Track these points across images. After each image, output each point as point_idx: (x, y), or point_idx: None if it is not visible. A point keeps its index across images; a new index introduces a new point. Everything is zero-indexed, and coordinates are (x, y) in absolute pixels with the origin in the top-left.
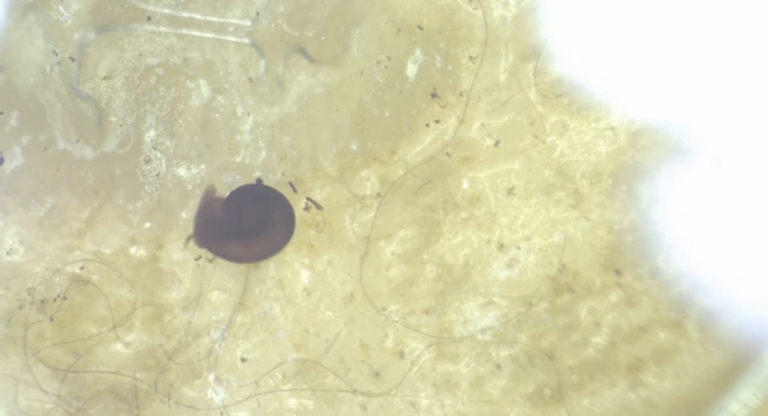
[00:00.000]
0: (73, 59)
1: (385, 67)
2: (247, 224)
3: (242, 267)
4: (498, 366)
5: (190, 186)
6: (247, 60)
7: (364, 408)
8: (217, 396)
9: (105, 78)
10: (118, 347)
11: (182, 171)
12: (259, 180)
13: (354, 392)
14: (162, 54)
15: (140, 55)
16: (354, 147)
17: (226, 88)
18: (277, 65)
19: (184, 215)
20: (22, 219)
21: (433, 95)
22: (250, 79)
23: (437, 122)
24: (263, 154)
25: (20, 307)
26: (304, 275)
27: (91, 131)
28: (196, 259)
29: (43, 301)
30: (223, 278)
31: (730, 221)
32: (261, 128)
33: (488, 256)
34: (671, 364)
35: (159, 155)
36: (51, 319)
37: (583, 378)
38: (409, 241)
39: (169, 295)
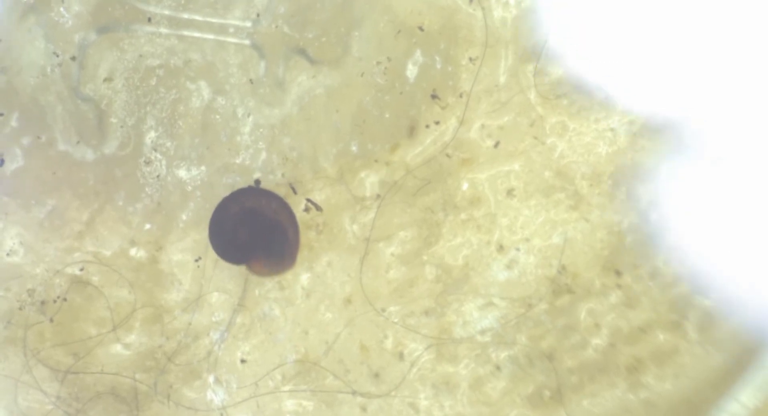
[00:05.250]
0: (73, 60)
1: (386, 68)
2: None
3: (242, 268)
4: (497, 367)
5: (190, 187)
6: (248, 61)
7: (363, 409)
8: (216, 397)
9: (105, 79)
10: (118, 348)
11: (182, 172)
12: (257, 182)
13: (353, 393)
14: (162, 55)
15: (141, 56)
16: (354, 148)
17: (226, 90)
18: (278, 67)
19: (184, 217)
20: (22, 221)
21: (433, 96)
22: (250, 80)
23: (437, 123)
24: (263, 155)
25: (20, 308)
26: (304, 277)
27: (92, 132)
28: (196, 260)
29: (43, 302)
30: (222, 279)
31: (729, 222)
32: (261, 130)
33: (488, 257)
34: (671, 365)
35: (159, 156)
36: (51, 320)
37: (583, 379)
38: (408, 242)
39: (169, 296)
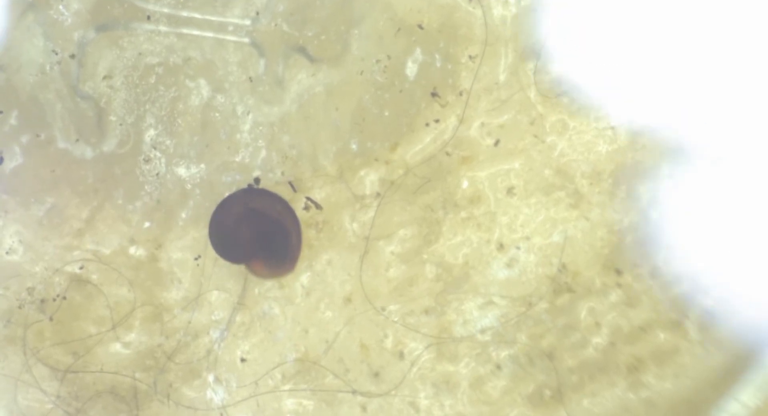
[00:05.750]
0: (73, 58)
1: (385, 66)
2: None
3: (242, 267)
4: (498, 367)
5: (189, 185)
6: (247, 59)
7: (363, 408)
8: (216, 396)
9: (105, 77)
10: (118, 347)
11: (182, 171)
12: (255, 180)
13: (353, 392)
14: (162, 53)
15: (140, 54)
16: (354, 146)
17: (225, 88)
18: (277, 64)
19: (183, 215)
20: (21, 219)
21: (433, 94)
22: (249, 78)
23: (437, 121)
24: (263, 153)
25: (20, 307)
26: (304, 275)
27: (91, 130)
28: (196, 259)
29: (42, 301)
30: (222, 278)
31: (730, 221)
32: (261, 128)
33: (488, 256)
34: (671, 364)
35: (158, 154)
36: (50, 319)
37: (583, 378)
38: (408, 241)
39: (169, 295)
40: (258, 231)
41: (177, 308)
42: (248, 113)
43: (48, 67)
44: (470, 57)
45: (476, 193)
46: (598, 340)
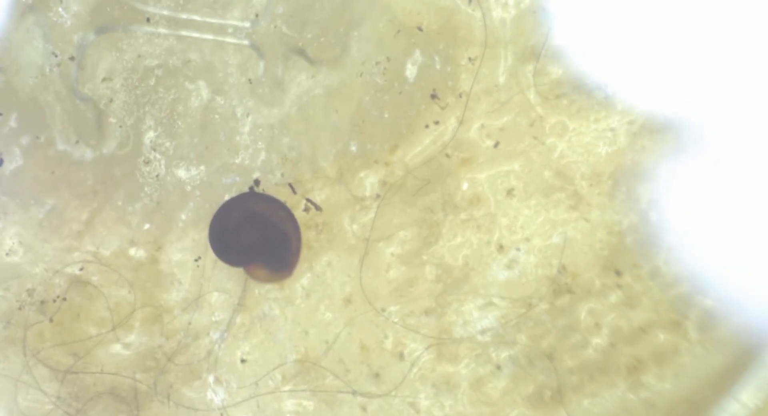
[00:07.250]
0: (72, 60)
1: (385, 68)
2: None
3: (241, 269)
4: (498, 367)
5: (189, 187)
6: (247, 61)
7: (363, 409)
8: (216, 397)
9: (104, 79)
10: (118, 348)
11: (182, 172)
12: (256, 181)
13: (354, 393)
14: (161, 55)
15: (139, 56)
16: (353, 148)
17: (225, 90)
18: (277, 67)
19: (183, 217)
20: (21, 220)
21: (433, 96)
22: (249, 80)
23: (437, 123)
24: (262, 155)
25: (20, 308)
26: (304, 277)
27: (91, 132)
28: (196, 260)
29: (42, 302)
30: (222, 279)
31: (729, 222)
32: (260, 130)
33: (488, 257)
34: (671, 365)
35: (158, 156)
36: (51, 320)
37: (583, 379)
38: (408, 242)
39: (169, 296)
40: (258, 236)
41: (177, 310)
42: (248, 115)
43: (47, 69)
44: (470, 59)
45: (476, 194)
46: (598, 341)
